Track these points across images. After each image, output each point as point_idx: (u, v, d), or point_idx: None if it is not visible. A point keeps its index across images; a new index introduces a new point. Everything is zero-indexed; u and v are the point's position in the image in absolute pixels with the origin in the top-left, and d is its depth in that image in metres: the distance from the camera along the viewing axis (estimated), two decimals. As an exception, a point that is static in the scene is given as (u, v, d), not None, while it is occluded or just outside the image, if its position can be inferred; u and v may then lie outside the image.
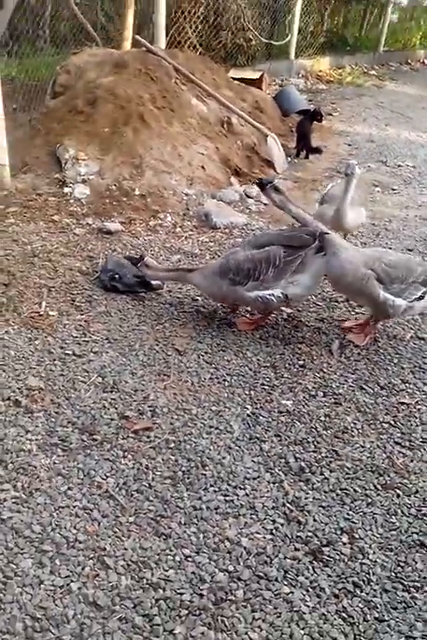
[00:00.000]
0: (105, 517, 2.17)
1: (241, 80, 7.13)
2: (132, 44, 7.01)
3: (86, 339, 3.17)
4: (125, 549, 2.05)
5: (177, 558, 2.03)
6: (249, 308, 3.51)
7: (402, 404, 2.88)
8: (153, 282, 3.62)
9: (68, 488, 2.27)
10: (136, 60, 5.73)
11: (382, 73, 11.98)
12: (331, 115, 8.14)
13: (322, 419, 2.74)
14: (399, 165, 6.37)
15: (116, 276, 3.60)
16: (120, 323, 3.33)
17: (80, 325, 3.27)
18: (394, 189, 5.65)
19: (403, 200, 5.44)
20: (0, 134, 4.60)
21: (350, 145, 6.97)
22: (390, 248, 4.41)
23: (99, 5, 8.72)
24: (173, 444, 2.51)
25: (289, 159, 6.12)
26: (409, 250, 4.42)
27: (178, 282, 3.68)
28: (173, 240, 4.31)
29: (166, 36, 7.83)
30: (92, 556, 2.02)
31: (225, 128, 5.77)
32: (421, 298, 3.17)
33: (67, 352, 3.04)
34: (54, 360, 2.97)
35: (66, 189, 4.75)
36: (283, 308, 3.49)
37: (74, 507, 2.20)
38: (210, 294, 3.45)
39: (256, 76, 7.64)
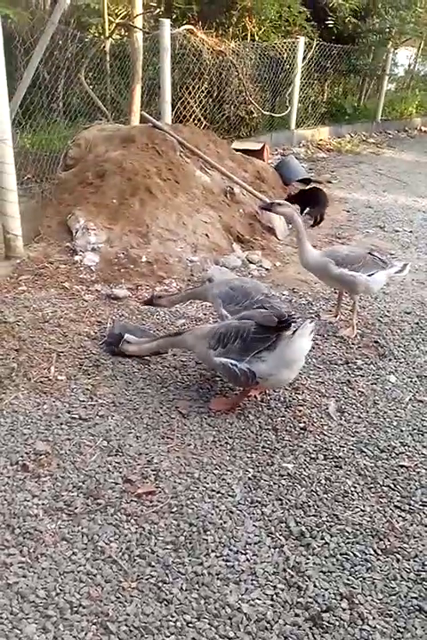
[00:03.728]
0: (108, 582, 2.21)
1: (243, 151, 7.46)
2: (140, 119, 7.39)
3: (93, 402, 3.26)
4: (128, 615, 2.09)
5: (178, 624, 2.07)
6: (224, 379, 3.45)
7: (402, 466, 2.93)
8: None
9: (73, 553, 2.32)
10: (143, 134, 6.04)
11: (380, 141, 12.44)
12: (330, 182, 8.44)
13: (322, 482, 2.79)
14: (397, 231, 6.57)
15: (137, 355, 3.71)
16: (126, 386, 3.43)
17: (87, 389, 3.37)
18: (392, 254, 5.80)
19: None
20: (13, 205, 4.84)
21: (348, 211, 7.21)
22: (388, 311, 4.55)
23: (109, 79, 9.22)
24: (175, 509, 2.57)
25: (290, 226, 6.34)
26: (407, 312, 4.54)
27: (167, 349, 3.69)
28: (178, 305, 4.45)
29: (172, 109, 8.26)
30: (95, 621, 2.06)
31: (228, 197, 6.02)
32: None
33: (74, 416, 3.14)
34: (61, 424, 3.06)
35: (76, 257, 4.95)
36: (253, 393, 3.41)
37: (78, 572, 2.25)
38: (198, 355, 3.46)
39: (258, 146, 7.98)
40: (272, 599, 2.19)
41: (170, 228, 5.21)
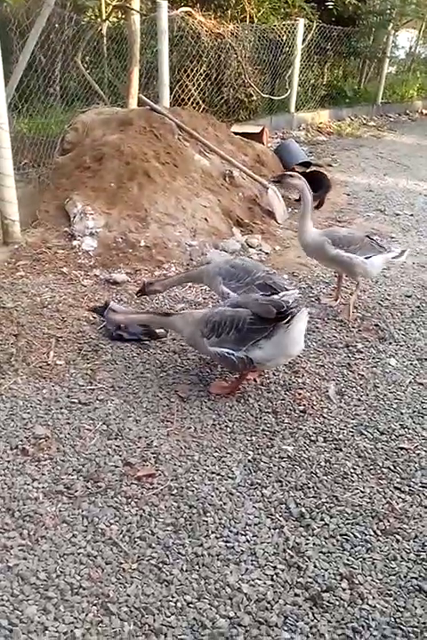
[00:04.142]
0: (108, 564, 2.22)
1: (243, 134, 7.40)
2: (138, 102, 7.32)
3: (92, 387, 3.26)
4: (128, 596, 2.10)
5: (178, 604, 2.07)
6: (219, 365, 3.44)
7: (401, 448, 2.92)
8: (157, 330, 3.73)
9: (73, 535, 2.33)
10: (141, 118, 5.98)
11: (380, 124, 12.34)
12: (331, 166, 8.38)
13: (322, 464, 2.79)
14: (398, 214, 6.53)
15: (122, 325, 3.71)
16: (125, 371, 3.42)
17: (86, 374, 3.36)
18: (393, 237, 5.78)
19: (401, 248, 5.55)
20: (11, 190, 4.81)
21: (349, 195, 7.16)
22: (389, 294, 4.53)
23: (106, 63, 9.13)
24: (175, 491, 2.57)
25: (290, 209, 6.30)
26: (407, 296, 4.52)
27: (152, 325, 3.62)
28: (177, 289, 4.43)
29: (170, 93, 8.18)
30: (95, 602, 2.07)
31: (227, 181, 5.98)
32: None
33: (73, 400, 3.13)
34: (61, 408, 3.06)
35: (74, 242, 4.92)
36: (251, 376, 3.40)
37: (78, 554, 2.25)
38: (186, 340, 3.40)
39: (257, 130, 7.92)
40: (272, 579, 2.20)
41: (169, 212, 5.17)
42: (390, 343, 3.87)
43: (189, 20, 8.80)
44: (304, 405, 3.21)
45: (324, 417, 3.13)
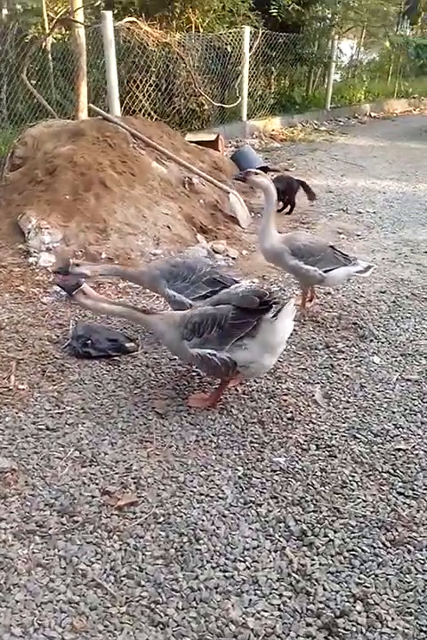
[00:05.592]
0: (93, 610, 1.94)
1: (198, 143, 7.23)
2: (89, 112, 7.07)
3: (60, 411, 2.96)
4: (119, 646, 1.82)
5: (178, 650, 1.82)
6: (199, 371, 3.24)
7: (399, 450, 2.75)
8: (127, 344, 3.48)
9: (50, 580, 2.04)
10: (93, 128, 5.75)
11: (331, 128, 12.46)
12: (288, 170, 8.31)
13: (318, 474, 2.59)
14: (360, 212, 6.49)
15: (88, 341, 3.44)
16: (95, 390, 3.15)
17: (53, 397, 3.07)
18: (358, 235, 5.70)
19: (368, 245, 5.49)
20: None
21: (310, 196, 7.06)
22: (363, 292, 4.41)
23: (52, 79, 8.84)
24: (162, 519, 2.31)
25: (252, 214, 6.15)
26: (382, 292, 4.41)
27: (124, 319, 3.51)
28: (145, 300, 4.20)
29: (121, 105, 7.95)
30: (82, 658, 1.79)
31: (187, 188, 5.79)
32: (205, 296, 3.24)
33: (40, 427, 2.83)
34: (27, 437, 2.76)
35: (30, 259, 4.62)
36: (233, 384, 3.18)
37: (58, 601, 1.97)
38: (167, 344, 3.14)
39: (212, 137, 7.79)
40: (280, 609, 1.96)
41: (129, 221, 4.93)
42: (371, 341, 3.73)
43: (135, 31, 8.60)
44: (291, 412, 3.00)
45: (313, 423, 2.94)
